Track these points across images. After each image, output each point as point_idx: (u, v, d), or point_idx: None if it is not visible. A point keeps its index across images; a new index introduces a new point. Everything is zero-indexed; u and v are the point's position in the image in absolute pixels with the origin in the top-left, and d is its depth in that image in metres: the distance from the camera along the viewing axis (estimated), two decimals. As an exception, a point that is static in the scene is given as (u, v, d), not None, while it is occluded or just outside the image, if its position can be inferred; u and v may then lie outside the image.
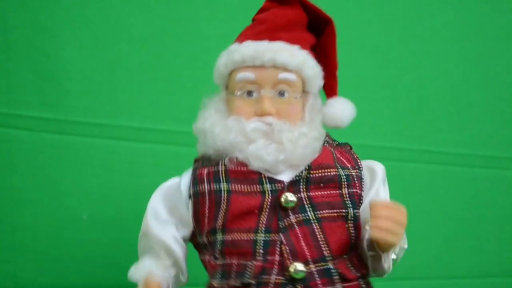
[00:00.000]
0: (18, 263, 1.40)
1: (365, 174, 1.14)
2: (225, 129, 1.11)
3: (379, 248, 1.06)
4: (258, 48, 1.12)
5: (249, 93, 1.13)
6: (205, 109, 1.17)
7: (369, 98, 1.64)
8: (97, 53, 1.47)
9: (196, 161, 1.18)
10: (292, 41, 1.14)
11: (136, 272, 1.12)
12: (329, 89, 1.21)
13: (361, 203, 1.12)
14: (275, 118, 1.11)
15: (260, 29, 1.16)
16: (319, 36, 1.20)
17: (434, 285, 1.68)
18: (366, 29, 1.65)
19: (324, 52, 1.20)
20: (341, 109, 1.18)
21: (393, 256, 1.09)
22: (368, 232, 1.06)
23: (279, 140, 1.09)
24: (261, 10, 1.20)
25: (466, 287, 1.70)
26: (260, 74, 1.12)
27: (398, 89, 1.68)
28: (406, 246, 1.13)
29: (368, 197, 1.13)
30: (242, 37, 1.16)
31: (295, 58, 1.13)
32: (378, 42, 1.66)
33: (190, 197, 1.12)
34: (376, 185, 1.13)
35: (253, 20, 1.20)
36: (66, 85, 1.45)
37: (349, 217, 1.09)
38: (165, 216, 1.13)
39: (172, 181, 1.15)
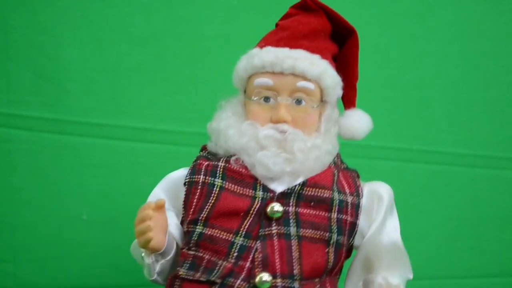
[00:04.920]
0: (18, 263, 1.40)
1: (370, 200, 1.13)
2: (239, 133, 1.11)
3: None
4: (279, 54, 1.12)
5: (266, 99, 1.12)
6: (222, 110, 1.17)
7: (369, 98, 1.63)
8: (97, 53, 1.48)
9: (202, 149, 1.18)
10: (313, 50, 1.13)
11: (136, 246, 1.11)
12: (347, 100, 1.20)
13: (355, 232, 1.11)
14: (290, 125, 1.11)
15: (282, 35, 1.15)
16: (341, 46, 1.20)
17: (434, 285, 1.68)
18: (366, 29, 1.64)
19: (345, 62, 1.19)
20: (358, 121, 1.18)
21: None
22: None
23: (290, 149, 1.09)
24: (285, 16, 1.19)
25: (466, 287, 1.70)
26: (278, 81, 1.11)
27: (398, 89, 1.68)
28: (411, 277, 1.12)
29: (374, 225, 1.12)
30: (263, 42, 1.16)
31: (315, 67, 1.12)
32: (378, 42, 1.66)
33: (184, 184, 1.13)
34: (382, 213, 1.13)
35: (276, 25, 1.19)
36: (66, 85, 1.46)
37: (331, 242, 1.08)
38: (166, 205, 1.13)
39: (180, 173, 1.15)
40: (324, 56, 1.14)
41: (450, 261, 1.69)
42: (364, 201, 1.13)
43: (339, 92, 1.17)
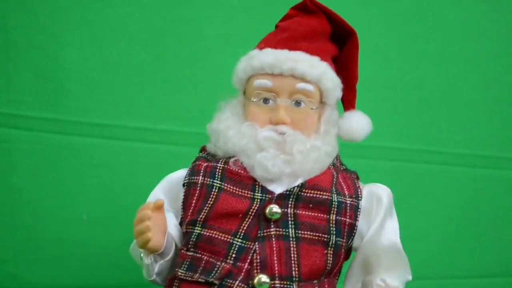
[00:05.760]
0: (18, 263, 1.40)
1: (369, 202, 1.13)
2: (239, 134, 1.11)
3: None
4: (278, 56, 1.11)
5: (266, 100, 1.12)
6: (222, 111, 1.16)
7: (369, 98, 1.64)
8: (97, 53, 1.48)
9: (202, 150, 1.18)
10: (312, 51, 1.13)
11: (135, 247, 1.11)
12: (347, 102, 1.20)
13: (354, 233, 1.11)
14: (290, 127, 1.10)
15: (282, 37, 1.15)
16: (341, 47, 1.19)
17: (434, 285, 1.68)
18: (366, 29, 1.65)
19: (345, 64, 1.19)
20: (357, 122, 1.17)
21: None
22: None
23: (290, 151, 1.09)
24: (285, 18, 1.19)
25: (466, 287, 1.70)
26: (277, 83, 1.11)
27: (398, 89, 1.68)
28: (410, 278, 1.11)
29: (373, 227, 1.12)
30: (263, 44, 1.16)
31: (315, 69, 1.12)
32: (378, 42, 1.66)
33: (183, 185, 1.13)
34: (381, 215, 1.12)
35: (276, 27, 1.19)
36: (66, 85, 1.46)
37: (330, 243, 1.08)
38: (166, 205, 1.13)
39: (180, 174, 1.15)
40: (323, 58, 1.14)
41: (450, 261, 1.69)
42: (363, 203, 1.12)
43: (338, 93, 1.17)
